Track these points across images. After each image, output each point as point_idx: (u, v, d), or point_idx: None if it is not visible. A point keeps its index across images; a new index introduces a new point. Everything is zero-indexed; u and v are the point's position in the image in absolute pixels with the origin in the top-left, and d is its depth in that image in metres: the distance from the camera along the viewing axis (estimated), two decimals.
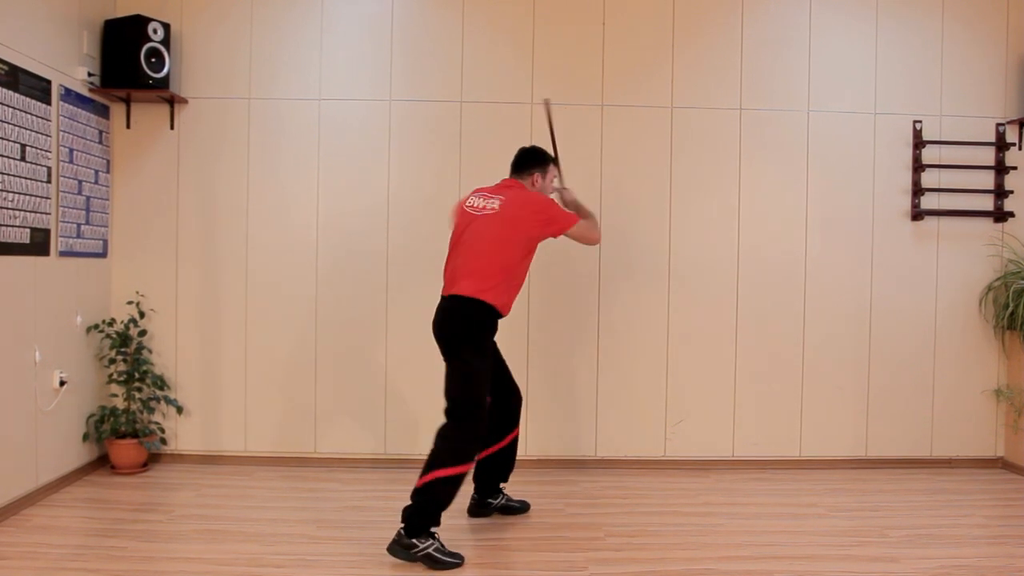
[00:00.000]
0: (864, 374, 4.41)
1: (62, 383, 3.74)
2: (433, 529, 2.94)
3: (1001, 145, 4.38)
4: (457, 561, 2.93)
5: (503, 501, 3.56)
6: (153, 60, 4.00)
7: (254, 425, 4.29)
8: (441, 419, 3.14)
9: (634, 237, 4.34)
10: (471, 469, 3.11)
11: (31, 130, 3.51)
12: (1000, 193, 4.39)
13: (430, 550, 2.90)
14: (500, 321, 3.27)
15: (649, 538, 3.28)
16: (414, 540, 2.90)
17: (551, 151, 3.50)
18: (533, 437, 4.31)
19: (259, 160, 4.28)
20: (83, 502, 3.64)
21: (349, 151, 4.29)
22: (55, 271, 3.73)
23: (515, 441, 3.51)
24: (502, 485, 3.56)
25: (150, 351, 4.23)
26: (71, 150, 3.85)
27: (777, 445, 4.40)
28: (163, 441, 4.19)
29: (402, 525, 2.94)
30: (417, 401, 4.25)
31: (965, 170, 4.39)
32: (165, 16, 4.15)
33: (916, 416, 4.43)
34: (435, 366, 3.82)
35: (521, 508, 3.58)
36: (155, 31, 4.00)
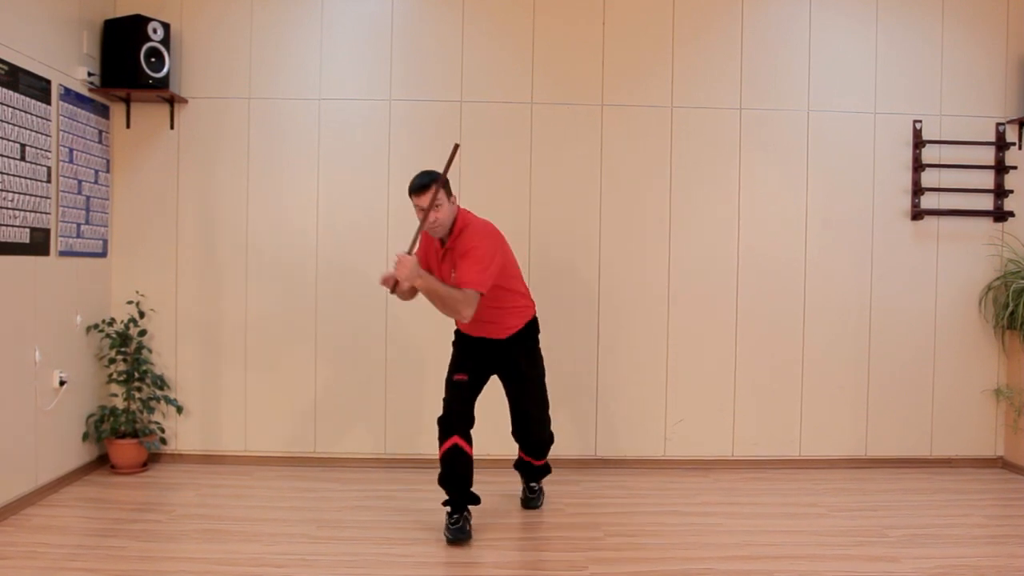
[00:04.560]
0: (864, 374, 4.41)
1: (62, 383, 3.74)
2: (446, 508, 3.26)
3: (1001, 145, 4.38)
4: (453, 538, 3.16)
5: (523, 487, 3.74)
6: (153, 60, 4.00)
7: (254, 425, 4.29)
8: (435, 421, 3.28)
9: (634, 236, 4.34)
10: (447, 448, 3.26)
11: (31, 130, 3.51)
12: (1000, 193, 4.39)
13: (445, 523, 3.23)
14: None
15: (649, 538, 3.28)
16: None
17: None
18: None
19: (259, 160, 4.28)
20: (83, 502, 3.64)
21: (349, 151, 4.29)
22: (55, 271, 3.73)
23: (528, 464, 3.63)
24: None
25: (150, 351, 4.23)
26: (71, 150, 3.85)
27: (777, 445, 4.40)
28: (163, 441, 4.19)
29: None
30: (417, 401, 4.25)
31: (965, 170, 4.39)
32: (165, 16, 4.15)
33: (916, 416, 4.43)
34: (434, 365, 3.84)
35: (524, 502, 3.71)
36: (155, 31, 4.00)
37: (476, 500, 3.31)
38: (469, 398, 3.31)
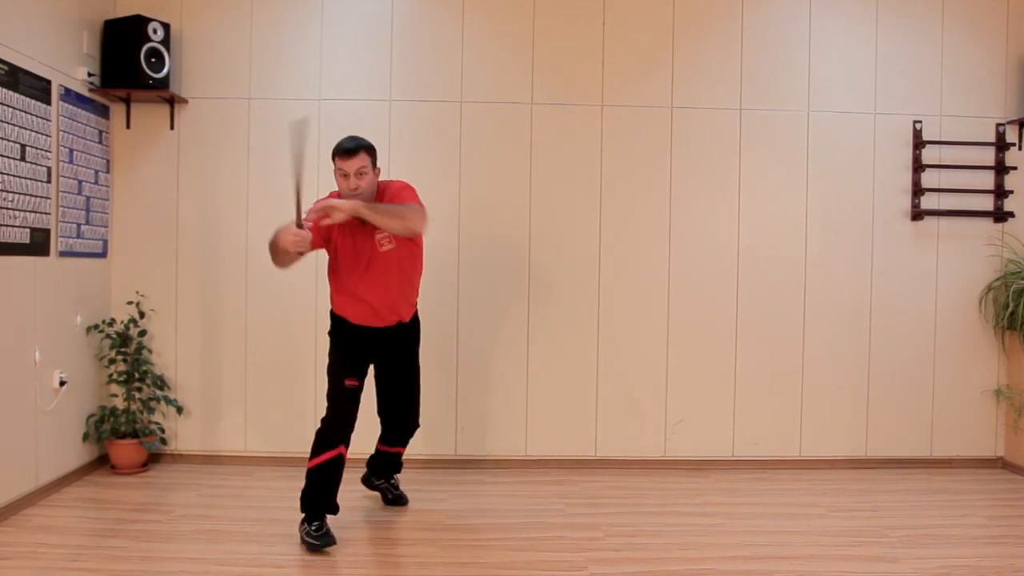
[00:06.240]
0: (864, 374, 4.41)
1: (62, 383, 3.74)
2: (315, 520, 3.09)
3: (1001, 145, 4.38)
4: (324, 543, 3.02)
5: (384, 484, 3.65)
6: (153, 60, 4.00)
7: (254, 425, 4.29)
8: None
9: (634, 237, 4.34)
10: (330, 458, 3.12)
11: (31, 130, 3.51)
12: (1000, 193, 4.39)
13: (304, 532, 3.09)
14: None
15: (649, 538, 3.28)
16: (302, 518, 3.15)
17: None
18: (533, 437, 4.31)
19: (259, 160, 4.28)
20: (83, 502, 3.64)
21: None
22: (55, 271, 3.73)
23: (396, 456, 3.59)
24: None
25: (150, 351, 4.23)
26: (71, 150, 3.85)
27: (777, 445, 4.40)
28: (163, 441, 4.19)
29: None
30: None
31: (965, 170, 4.39)
32: (165, 16, 4.15)
33: (916, 416, 4.43)
34: (433, 366, 3.84)
35: (395, 500, 3.64)
36: (155, 31, 4.00)
37: (337, 510, 3.20)
38: (357, 403, 3.23)
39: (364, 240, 3.15)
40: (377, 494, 3.69)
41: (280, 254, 3.04)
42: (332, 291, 3.29)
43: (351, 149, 3.06)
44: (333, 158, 3.12)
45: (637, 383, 4.36)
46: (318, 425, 3.05)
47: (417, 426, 3.53)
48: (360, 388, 3.23)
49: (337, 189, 3.19)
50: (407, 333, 3.38)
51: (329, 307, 3.32)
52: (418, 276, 3.36)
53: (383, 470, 3.64)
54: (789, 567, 2.97)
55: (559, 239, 4.33)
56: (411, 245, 3.23)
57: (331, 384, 3.22)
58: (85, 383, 4.01)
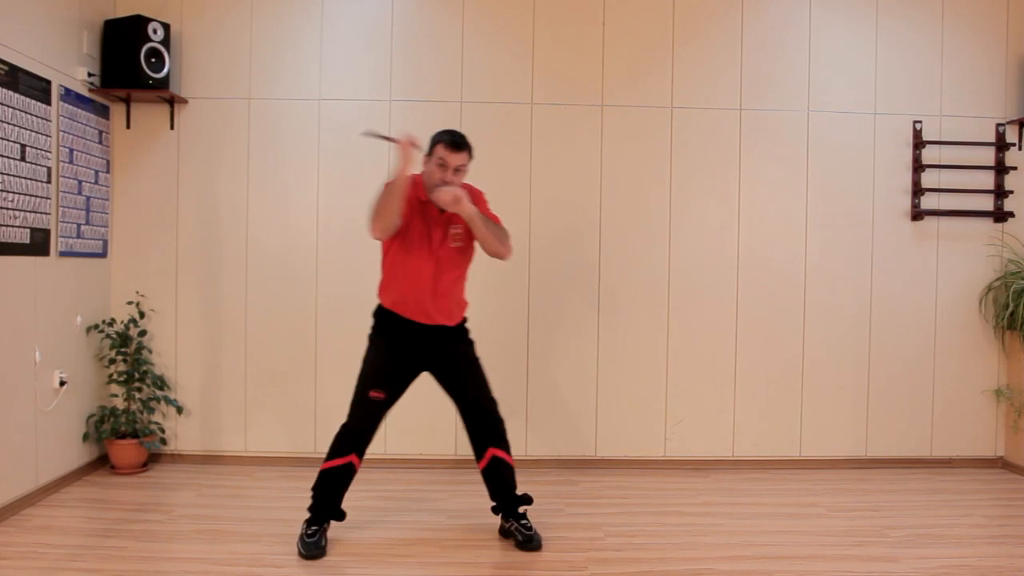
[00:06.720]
0: (864, 374, 4.41)
1: (62, 383, 3.74)
2: (314, 525, 3.06)
3: (1001, 145, 4.39)
4: (309, 553, 2.98)
5: (512, 525, 3.18)
6: (153, 60, 4.00)
7: (254, 425, 4.29)
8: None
9: (634, 236, 4.34)
10: (339, 465, 3.08)
11: (31, 130, 3.51)
12: (1000, 193, 4.39)
13: (300, 533, 3.07)
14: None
15: (649, 538, 3.28)
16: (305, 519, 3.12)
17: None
18: (533, 437, 4.31)
19: (259, 160, 4.28)
20: (83, 502, 3.64)
21: (349, 151, 4.28)
22: (55, 271, 3.73)
23: (495, 462, 3.16)
24: (522, 509, 3.21)
25: (150, 351, 4.23)
26: (71, 150, 3.85)
27: (777, 445, 4.40)
28: (163, 441, 4.19)
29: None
30: (418, 401, 4.24)
31: (965, 170, 4.39)
32: (165, 16, 4.15)
33: (916, 416, 4.43)
34: None
35: (525, 543, 3.11)
36: (155, 31, 4.01)
37: (342, 516, 3.14)
38: (381, 417, 3.12)
39: (437, 230, 3.05)
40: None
41: (391, 195, 2.89)
42: (384, 281, 3.12)
43: (461, 144, 3.05)
44: (436, 144, 3.06)
45: (637, 383, 4.36)
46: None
47: (499, 418, 3.18)
48: (386, 404, 3.10)
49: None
50: (456, 337, 3.18)
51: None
52: (464, 276, 3.19)
53: (501, 496, 3.19)
54: (789, 567, 2.97)
55: (559, 238, 4.33)
56: (471, 251, 3.16)
57: (357, 389, 3.11)
58: (85, 383, 4.01)
